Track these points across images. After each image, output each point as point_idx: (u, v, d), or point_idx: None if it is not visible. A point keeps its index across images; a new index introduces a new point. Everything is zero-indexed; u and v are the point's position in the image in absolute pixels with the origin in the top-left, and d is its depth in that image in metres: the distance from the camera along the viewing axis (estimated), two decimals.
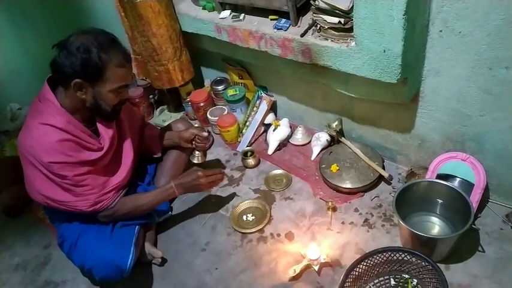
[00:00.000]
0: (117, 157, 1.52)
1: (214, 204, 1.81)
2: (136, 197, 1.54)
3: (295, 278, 1.46)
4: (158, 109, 2.39)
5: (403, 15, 1.19)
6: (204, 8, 1.87)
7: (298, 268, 1.45)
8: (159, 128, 1.87)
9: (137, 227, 1.53)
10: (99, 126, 1.42)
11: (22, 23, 2.30)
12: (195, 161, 1.71)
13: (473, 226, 1.35)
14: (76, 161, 1.33)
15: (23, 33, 2.31)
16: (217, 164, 2.00)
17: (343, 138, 1.86)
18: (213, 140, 2.14)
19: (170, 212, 1.78)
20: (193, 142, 1.68)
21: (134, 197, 1.53)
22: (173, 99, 2.32)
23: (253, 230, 1.64)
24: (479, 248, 1.42)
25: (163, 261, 1.61)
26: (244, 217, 1.71)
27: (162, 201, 1.58)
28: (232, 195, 1.83)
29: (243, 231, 1.65)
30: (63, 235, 1.49)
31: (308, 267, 1.47)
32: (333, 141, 1.89)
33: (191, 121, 2.22)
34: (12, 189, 1.98)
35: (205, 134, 1.64)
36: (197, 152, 1.71)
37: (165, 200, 1.59)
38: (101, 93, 1.31)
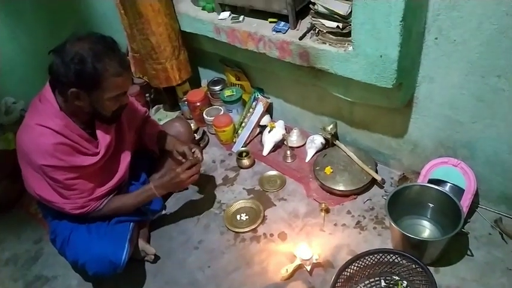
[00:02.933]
0: (113, 161, 1.50)
1: (208, 203, 1.81)
2: (120, 198, 1.51)
3: (287, 278, 1.47)
4: (154, 108, 2.39)
5: (400, 21, 1.22)
6: (203, 9, 1.89)
7: (290, 268, 1.47)
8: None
9: (131, 223, 1.53)
10: (98, 131, 1.40)
11: (16, 17, 2.29)
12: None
13: (462, 230, 1.38)
14: (69, 165, 1.33)
15: (16, 27, 2.30)
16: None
17: (337, 141, 1.88)
18: (209, 140, 2.15)
19: (164, 210, 1.78)
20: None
21: (117, 199, 1.50)
22: (170, 98, 2.32)
23: (247, 229, 1.66)
24: (468, 252, 1.44)
25: (156, 258, 1.62)
26: (238, 216, 1.72)
27: (143, 203, 1.54)
28: (226, 195, 1.84)
29: (236, 230, 1.66)
30: (56, 231, 1.49)
31: (300, 267, 1.48)
32: (328, 144, 1.92)
33: (188, 120, 2.22)
34: (2, 183, 1.97)
35: (198, 156, 1.57)
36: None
37: (146, 201, 1.55)
38: (99, 101, 1.29)
